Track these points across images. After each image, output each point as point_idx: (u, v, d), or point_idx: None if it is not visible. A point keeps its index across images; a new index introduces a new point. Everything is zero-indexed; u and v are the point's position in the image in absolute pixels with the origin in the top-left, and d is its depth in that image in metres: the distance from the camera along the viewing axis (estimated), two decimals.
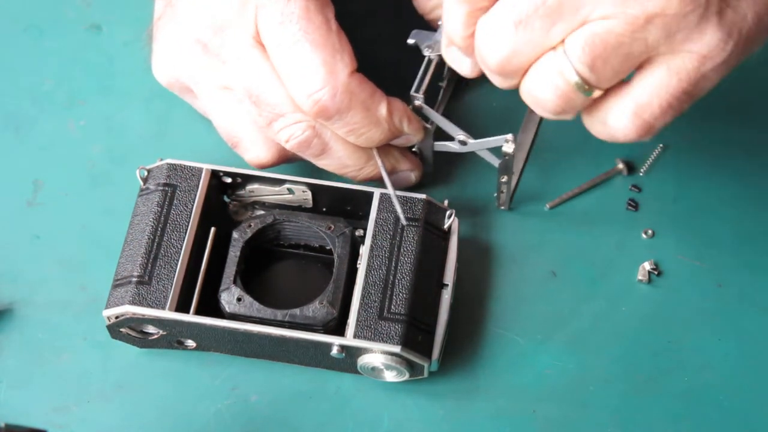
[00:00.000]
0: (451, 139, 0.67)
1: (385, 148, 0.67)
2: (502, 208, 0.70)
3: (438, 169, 0.71)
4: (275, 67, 0.63)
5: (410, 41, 0.66)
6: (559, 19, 0.54)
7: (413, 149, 0.69)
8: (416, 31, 0.67)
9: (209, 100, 0.67)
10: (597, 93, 0.56)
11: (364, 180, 0.68)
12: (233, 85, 0.65)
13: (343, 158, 0.66)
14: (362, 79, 0.64)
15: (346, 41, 0.64)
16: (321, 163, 0.67)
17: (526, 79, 0.57)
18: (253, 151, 0.67)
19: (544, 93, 0.56)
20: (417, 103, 0.66)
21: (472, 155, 0.68)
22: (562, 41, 0.55)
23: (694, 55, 0.55)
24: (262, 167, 0.68)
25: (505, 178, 0.68)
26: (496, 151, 0.65)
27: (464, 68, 0.61)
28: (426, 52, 0.66)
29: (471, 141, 0.66)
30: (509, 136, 0.64)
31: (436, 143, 0.68)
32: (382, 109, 0.64)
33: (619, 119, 0.56)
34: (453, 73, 0.67)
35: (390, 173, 0.67)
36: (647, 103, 0.56)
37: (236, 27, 0.64)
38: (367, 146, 0.66)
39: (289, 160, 0.68)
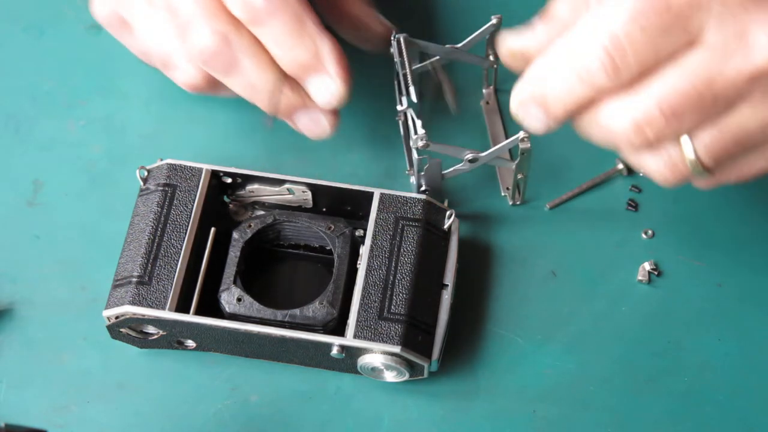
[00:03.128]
0: (458, 162, 0.66)
1: (292, 81, 0.65)
2: (517, 203, 0.70)
3: None
4: None
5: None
6: (712, 112, 0.55)
7: (425, 186, 0.68)
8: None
9: (138, 20, 0.66)
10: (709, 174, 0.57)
11: (277, 113, 0.66)
12: None
13: (252, 76, 0.64)
14: None
15: None
16: (230, 83, 0.65)
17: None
18: (182, 69, 0.67)
19: (658, 167, 0.57)
20: (422, 143, 0.64)
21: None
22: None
23: None
24: (194, 90, 0.67)
25: (521, 175, 0.68)
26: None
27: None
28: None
29: (482, 154, 0.66)
30: (521, 134, 0.64)
31: (445, 171, 0.67)
32: (312, 24, 0.63)
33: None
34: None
35: (294, 109, 0.66)
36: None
37: None
38: (288, 63, 0.64)
39: (215, 87, 0.67)
